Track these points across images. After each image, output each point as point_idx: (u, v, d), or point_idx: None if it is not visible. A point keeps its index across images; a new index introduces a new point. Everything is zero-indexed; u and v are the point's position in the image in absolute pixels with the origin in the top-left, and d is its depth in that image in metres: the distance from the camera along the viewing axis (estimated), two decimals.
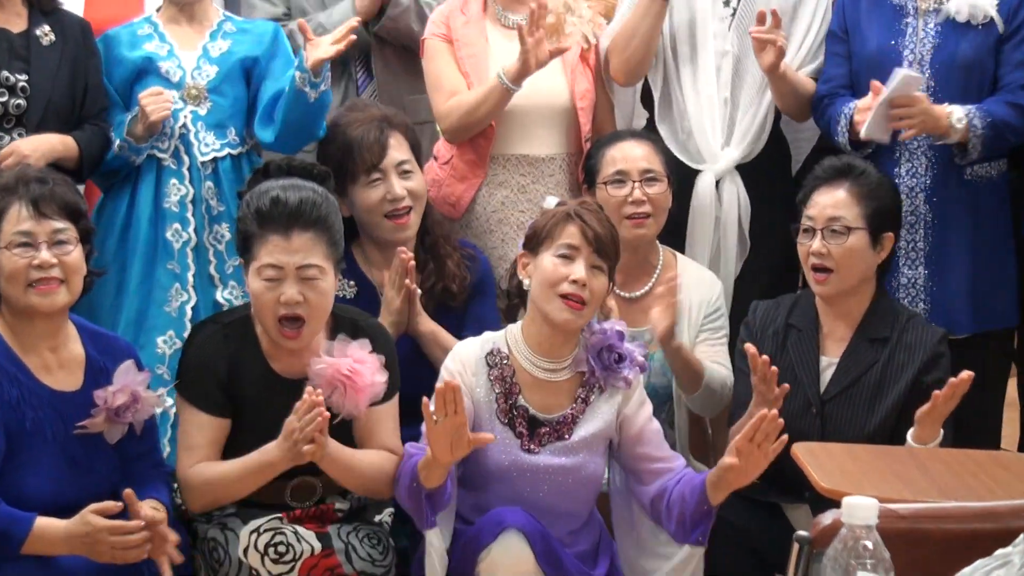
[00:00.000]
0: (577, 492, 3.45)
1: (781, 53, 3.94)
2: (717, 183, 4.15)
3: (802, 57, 4.16)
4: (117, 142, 3.94)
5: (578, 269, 3.34)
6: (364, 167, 3.87)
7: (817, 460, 3.09)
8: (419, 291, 3.81)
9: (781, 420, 3.15)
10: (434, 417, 3.14)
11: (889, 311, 3.72)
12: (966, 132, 3.80)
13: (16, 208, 3.28)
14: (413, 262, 3.77)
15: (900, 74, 3.75)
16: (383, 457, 3.46)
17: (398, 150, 3.92)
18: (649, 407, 3.50)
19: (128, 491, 3.17)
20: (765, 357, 3.45)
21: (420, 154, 4.05)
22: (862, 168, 3.75)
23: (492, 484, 3.42)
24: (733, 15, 4.15)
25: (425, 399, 3.16)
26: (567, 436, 3.43)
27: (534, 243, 3.43)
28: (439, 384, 3.21)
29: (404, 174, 3.91)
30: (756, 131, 4.17)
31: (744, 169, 4.16)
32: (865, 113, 3.81)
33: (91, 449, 3.32)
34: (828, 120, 4.01)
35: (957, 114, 3.80)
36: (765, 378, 3.46)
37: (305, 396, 3.26)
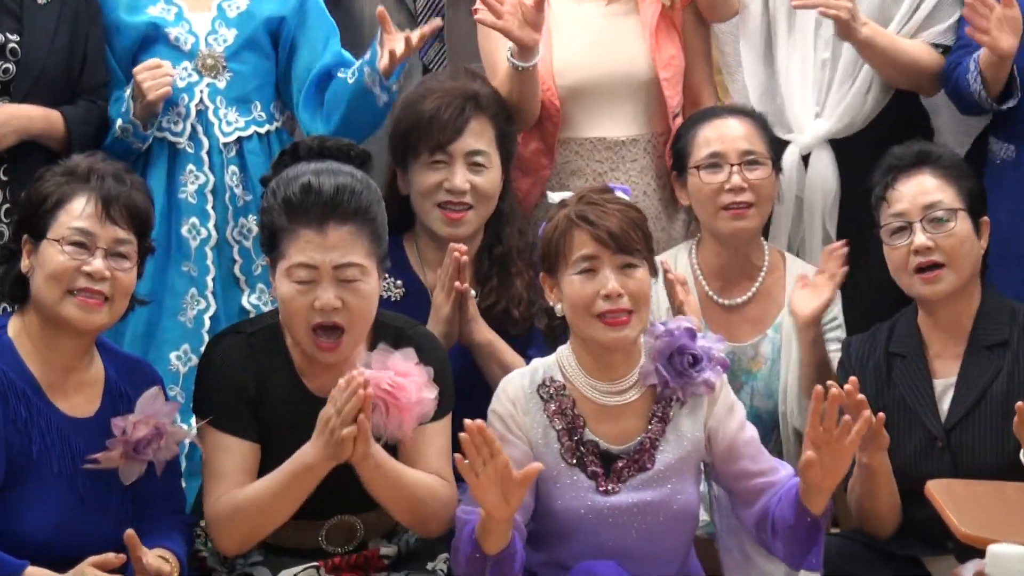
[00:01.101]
0: (670, 531, 3.41)
1: (849, 15, 3.93)
2: (804, 160, 4.17)
3: (918, 21, 4.13)
4: (119, 123, 3.91)
5: (606, 281, 3.31)
6: (429, 145, 3.86)
7: (956, 500, 3.05)
8: (472, 292, 3.78)
9: (861, 397, 3.16)
10: (475, 472, 3.12)
11: (1002, 309, 3.70)
12: None
13: (82, 201, 3.28)
14: (466, 257, 3.73)
15: None
16: (437, 480, 3.41)
17: (476, 137, 3.91)
18: (740, 412, 3.47)
19: (130, 532, 3.14)
20: (861, 397, 3.28)
21: (511, 147, 4.03)
22: (938, 151, 3.77)
23: (569, 538, 3.39)
24: None
25: (457, 456, 3.14)
26: (649, 466, 3.39)
27: (549, 264, 3.41)
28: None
29: (474, 166, 3.89)
30: (855, 103, 4.15)
31: (862, 148, 4.09)
32: None
33: (102, 487, 3.30)
34: (956, 79, 4.01)
35: None
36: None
37: (342, 380, 3.22)
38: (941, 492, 3.08)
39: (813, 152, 4.15)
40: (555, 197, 3.49)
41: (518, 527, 3.30)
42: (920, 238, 3.60)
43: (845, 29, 3.97)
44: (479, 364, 3.80)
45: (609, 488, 3.37)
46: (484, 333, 3.82)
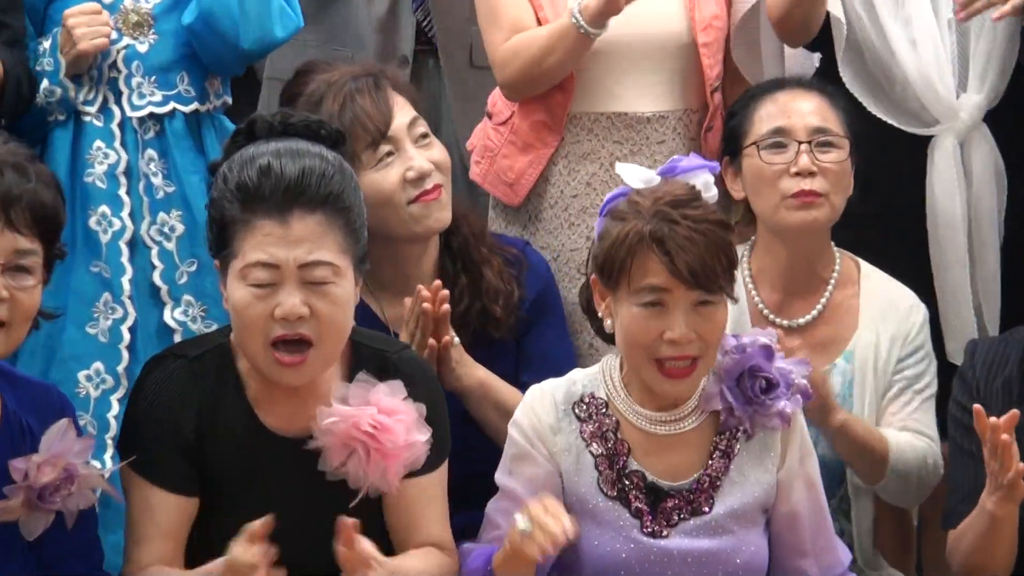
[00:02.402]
0: None
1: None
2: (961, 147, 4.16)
3: None
4: (44, 85, 3.90)
5: (675, 324, 3.27)
6: (365, 140, 3.83)
7: None
8: (456, 340, 3.77)
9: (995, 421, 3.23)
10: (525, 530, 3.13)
11: None
12: None
13: None
14: (447, 306, 3.71)
15: None
16: (437, 562, 3.40)
17: (403, 110, 3.90)
18: (814, 465, 3.47)
19: None
20: (994, 420, 3.32)
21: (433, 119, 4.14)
22: None
23: None
24: None
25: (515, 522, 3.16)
26: (707, 509, 3.38)
27: (607, 273, 3.37)
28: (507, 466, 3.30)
29: (421, 141, 3.89)
30: (1007, 58, 4.16)
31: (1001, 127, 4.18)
32: None
33: (2, 541, 3.24)
34: None
35: None
36: (995, 450, 3.33)
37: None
38: None
39: (972, 136, 4.14)
40: (630, 175, 3.40)
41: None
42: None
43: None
44: (471, 411, 3.78)
45: (656, 530, 3.38)
46: (474, 375, 3.81)
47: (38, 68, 3.92)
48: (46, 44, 3.92)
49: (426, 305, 3.68)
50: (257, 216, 3.25)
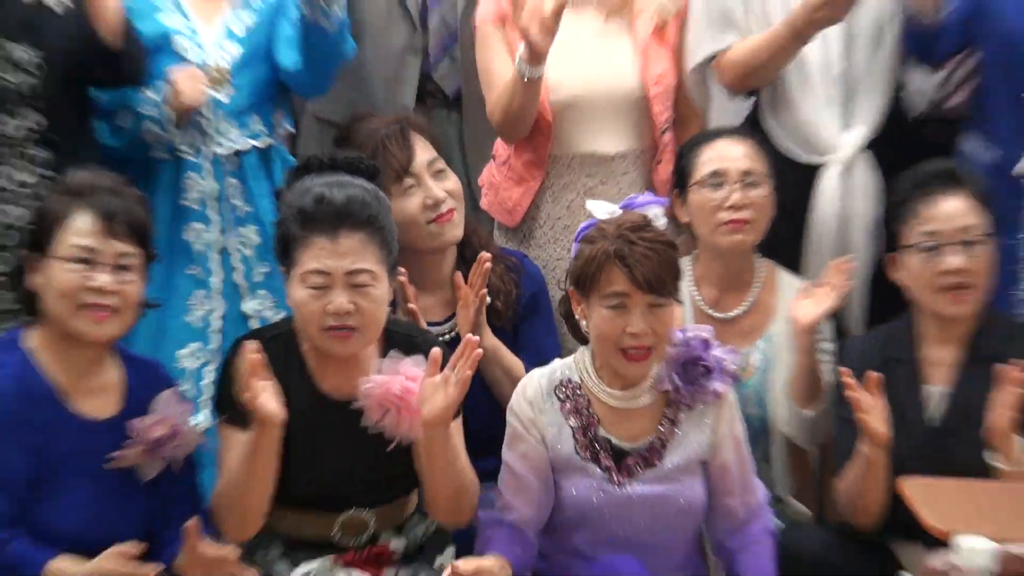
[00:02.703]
0: (677, 523, 3.62)
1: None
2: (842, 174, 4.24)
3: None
4: (150, 126, 4.02)
5: (634, 321, 3.48)
6: (393, 175, 4.00)
7: (927, 496, 3.18)
8: (488, 299, 3.94)
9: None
10: None
11: (1001, 325, 3.88)
12: None
13: (83, 218, 3.41)
14: (489, 264, 3.91)
15: None
16: (473, 473, 3.59)
17: (424, 150, 4.07)
18: (740, 428, 3.67)
19: (191, 523, 3.32)
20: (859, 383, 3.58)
21: (445, 155, 4.20)
22: (971, 172, 3.91)
23: (582, 527, 3.61)
24: None
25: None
26: (657, 463, 3.59)
27: (581, 284, 3.55)
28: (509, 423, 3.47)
29: (438, 174, 4.08)
30: (880, 102, 4.25)
31: (878, 156, 4.24)
32: None
33: (124, 485, 3.48)
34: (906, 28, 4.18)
35: None
36: (862, 406, 3.59)
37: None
38: (913, 489, 3.22)
39: (854, 165, 4.23)
40: (597, 209, 3.61)
41: (528, 526, 3.56)
42: (958, 259, 3.76)
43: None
44: (481, 367, 3.79)
45: (620, 480, 3.56)
46: (490, 338, 3.98)
47: (142, 111, 4.04)
48: (151, 94, 4.03)
49: (487, 264, 3.86)
50: (313, 234, 3.46)
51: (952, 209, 3.81)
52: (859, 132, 4.27)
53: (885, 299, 4.12)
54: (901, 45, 4.27)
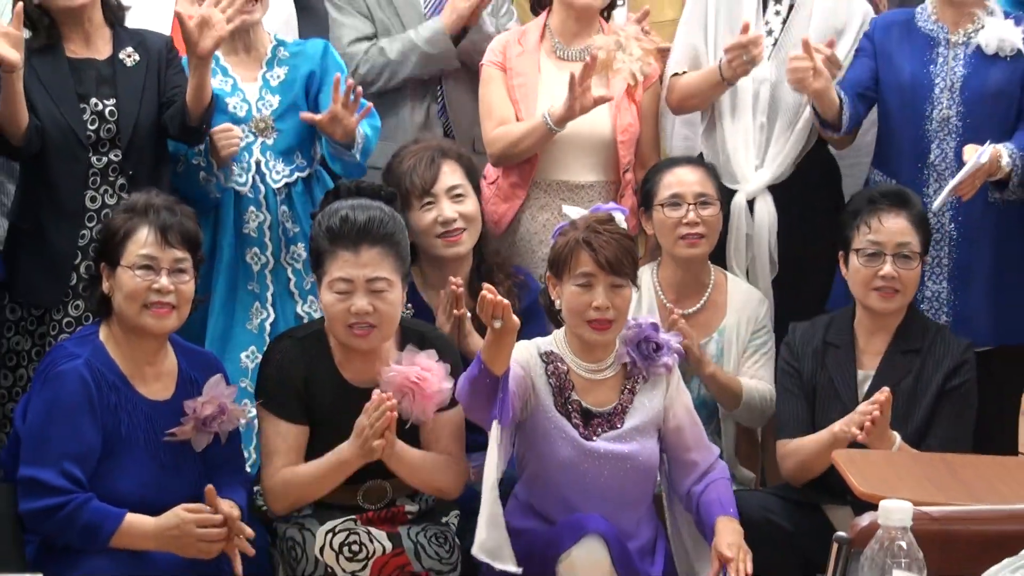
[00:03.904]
0: (636, 478, 3.48)
1: (829, 76, 3.90)
2: (750, 203, 4.11)
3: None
4: (202, 175, 3.90)
5: (598, 296, 3.41)
6: (416, 193, 3.86)
7: (856, 466, 3.08)
8: (468, 314, 3.76)
9: None
10: (496, 324, 3.15)
11: (919, 324, 3.74)
12: (1010, 171, 3.80)
13: (144, 232, 3.33)
14: (462, 289, 3.75)
15: (976, 155, 3.72)
16: (446, 461, 3.49)
17: (450, 176, 3.91)
18: (687, 396, 3.56)
19: (209, 487, 3.23)
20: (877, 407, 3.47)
21: (478, 179, 4.05)
22: (914, 197, 3.79)
23: (558, 474, 3.45)
24: (775, 44, 4.10)
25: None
26: (619, 425, 3.47)
27: (556, 268, 3.48)
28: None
29: (456, 198, 3.90)
30: (789, 154, 4.11)
31: (790, 192, 4.13)
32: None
33: (179, 455, 3.36)
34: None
35: (1004, 158, 3.78)
36: (876, 423, 3.48)
37: (374, 397, 3.30)
38: (844, 460, 3.14)
39: (758, 197, 4.11)
40: (571, 212, 3.55)
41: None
42: (888, 268, 3.65)
43: (826, 85, 3.90)
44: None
45: (587, 435, 3.45)
46: (478, 343, 3.73)
47: (195, 162, 3.89)
48: (200, 147, 3.87)
49: (453, 286, 3.70)
50: (339, 248, 3.40)
51: (894, 226, 3.70)
52: (767, 173, 4.13)
53: (789, 300, 4.09)
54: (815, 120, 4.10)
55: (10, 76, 3.58)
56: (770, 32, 4.12)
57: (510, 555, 3.30)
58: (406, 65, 4.29)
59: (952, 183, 3.75)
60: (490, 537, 3.29)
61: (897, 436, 3.50)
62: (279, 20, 4.27)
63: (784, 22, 4.08)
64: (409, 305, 3.82)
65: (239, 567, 3.25)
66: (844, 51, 4.06)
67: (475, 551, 3.29)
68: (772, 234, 4.10)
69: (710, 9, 4.10)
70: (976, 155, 3.71)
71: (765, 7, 4.11)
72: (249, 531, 3.27)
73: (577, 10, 4.11)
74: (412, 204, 3.86)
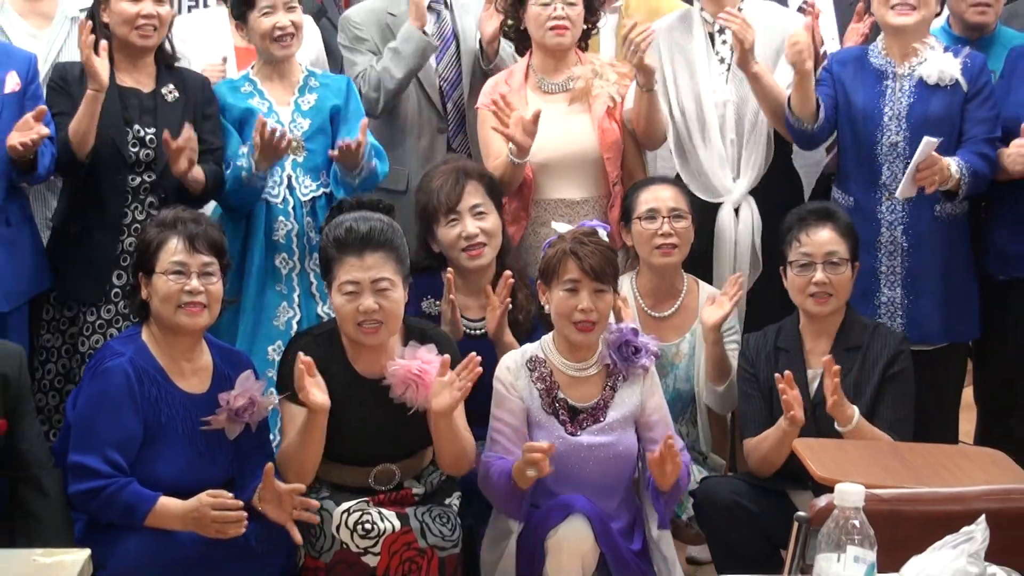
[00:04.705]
0: (616, 466, 3.46)
1: (747, 47, 3.89)
2: (735, 212, 4.08)
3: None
4: (244, 174, 3.83)
5: (583, 300, 3.39)
6: (443, 210, 3.82)
7: (814, 453, 3.11)
8: (510, 305, 3.76)
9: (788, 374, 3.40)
10: (531, 473, 3.25)
11: (858, 324, 3.72)
12: (959, 181, 3.80)
13: (174, 242, 3.33)
14: (512, 280, 3.75)
15: (924, 142, 3.72)
16: (469, 437, 3.46)
17: (473, 195, 3.85)
18: (660, 394, 3.53)
19: (269, 465, 3.23)
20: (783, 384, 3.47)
21: (500, 198, 3.97)
22: (839, 211, 3.79)
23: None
24: (728, 69, 4.08)
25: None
26: (602, 419, 3.45)
27: (546, 276, 3.47)
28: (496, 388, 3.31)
29: (478, 215, 3.83)
30: (760, 160, 4.09)
31: (760, 200, 4.09)
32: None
33: (213, 442, 3.35)
34: (787, 121, 3.99)
35: (953, 168, 3.78)
36: (792, 402, 3.48)
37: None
38: (804, 448, 3.16)
39: (741, 204, 4.07)
40: (560, 228, 3.57)
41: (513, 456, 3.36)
42: (819, 275, 3.64)
43: (743, 59, 3.89)
44: (497, 353, 3.69)
45: (574, 431, 3.44)
46: (510, 336, 3.78)
47: (238, 163, 3.82)
48: (244, 149, 3.84)
49: (511, 281, 3.70)
50: (345, 255, 3.37)
51: (822, 238, 3.68)
52: (745, 182, 4.10)
53: (769, 302, 4.01)
54: (788, 135, 4.05)
55: (96, 96, 3.65)
56: (722, 60, 4.11)
57: None
58: (392, 69, 4.25)
59: (911, 167, 3.74)
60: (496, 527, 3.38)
61: (855, 410, 3.48)
62: (307, 59, 4.27)
63: (732, 49, 4.03)
64: (437, 303, 3.83)
65: (297, 536, 3.25)
66: (785, 68, 4.01)
67: None
68: (757, 235, 4.07)
69: (664, 48, 4.08)
70: (924, 142, 3.70)
71: (713, 41, 4.11)
72: (313, 503, 3.26)
73: (551, 50, 4.11)
74: (439, 220, 3.83)
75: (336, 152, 3.89)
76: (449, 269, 3.75)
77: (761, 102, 3.99)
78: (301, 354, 3.30)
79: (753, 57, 3.90)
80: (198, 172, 3.78)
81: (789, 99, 3.96)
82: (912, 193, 3.82)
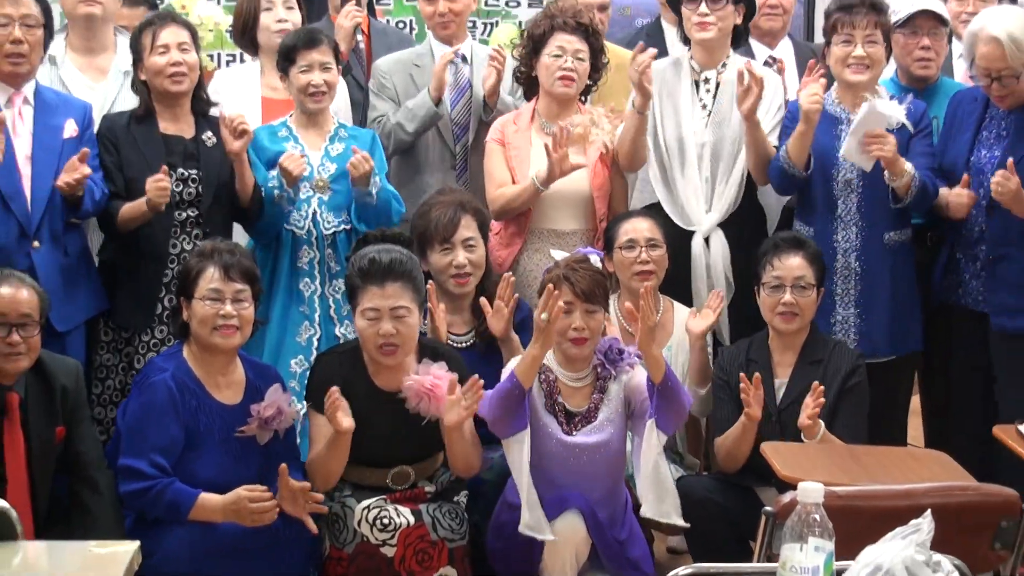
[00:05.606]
0: (607, 462, 3.43)
1: (755, 100, 3.87)
2: (706, 240, 4.05)
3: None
4: (276, 193, 3.84)
5: (576, 319, 3.38)
6: (438, 239, 3.80)
7: (779, 455, 3.11)
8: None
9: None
10: (543, 317, 3.21)
11: (820, 340, 3.72)
12: (910, 181, 3.77)
13: (211, 271, 3.35)
14: (513, 278, 3.77)
15: (866, 107, 3.69)
16: (477, 443, 3.48)
17: (467, 229, 3.83)
18: (642, 373, 3.41)
19: (283, 466, 3.24)
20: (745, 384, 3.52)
21: (487, 232, 3.97)
22: (810, 241, 3.79)
23: (547, 461, 3.40)
24: (709, 115, 4.07)
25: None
26: (594, 419, 3.43)
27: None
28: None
29: (469, 247, 3.82)
30: (730, 198, 4.05)
31: (730, 231, 4.05)
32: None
33: (246, 448, 3.35)
34: (773, 167, 3.95)
35: (908, 166, 3.77)
36: (751, 400, 3.52)
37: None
38: (770, 450, 3.16)
39: (712, 234, 4.04)
40: (556, 255, 3.59)
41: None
42: (788, 297, 3.64)
43: (752, 110, 3.84)
44: (505, 353, 3.72)
45: (570, 431, 3.42)
46: (515, 336, 3.77)
47: (270, 185, 3.83)
48: (273, 172, 3.84)
49: (512, 279, 3.71)
50: (368, 284, 3.37)
51: (792, 264, 3.69)
52: (715, 215, 4.07)
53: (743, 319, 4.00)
54: (764, 180, 4.02)
55: (241, 161, 3.76)
56: (704, 106, 4.09)
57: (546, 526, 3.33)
58: (404, 125, 4.26)
59: (852, 127, 3.73)
60: (532, 516, 3.30)
61: (822, 425, 3.48)
62: (331, 108, 4.22)
63: (714, 97, 4.05)
64: (426, 322, 3.76)
65: (313, 526, 3.25)
66: (764, 115, 4.00)
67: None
68: (726, 262, 4.04)
69: (656, 87, 4.02)
70: (867, 107, 3.69)
71: (698, 88, 4.09)
72: (319, 496, 3.27)
73: (558, 98, 4.11)
74: (434, 246, 3.80)
75: (348, 165, 3.86)
76: (431, 282, 3.71)
77: (750, 147, 3.96)
78: (334, 389, 3.30)
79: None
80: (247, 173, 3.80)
81: (780, 147, 3.94)
82: (855, 158, 3.77)
